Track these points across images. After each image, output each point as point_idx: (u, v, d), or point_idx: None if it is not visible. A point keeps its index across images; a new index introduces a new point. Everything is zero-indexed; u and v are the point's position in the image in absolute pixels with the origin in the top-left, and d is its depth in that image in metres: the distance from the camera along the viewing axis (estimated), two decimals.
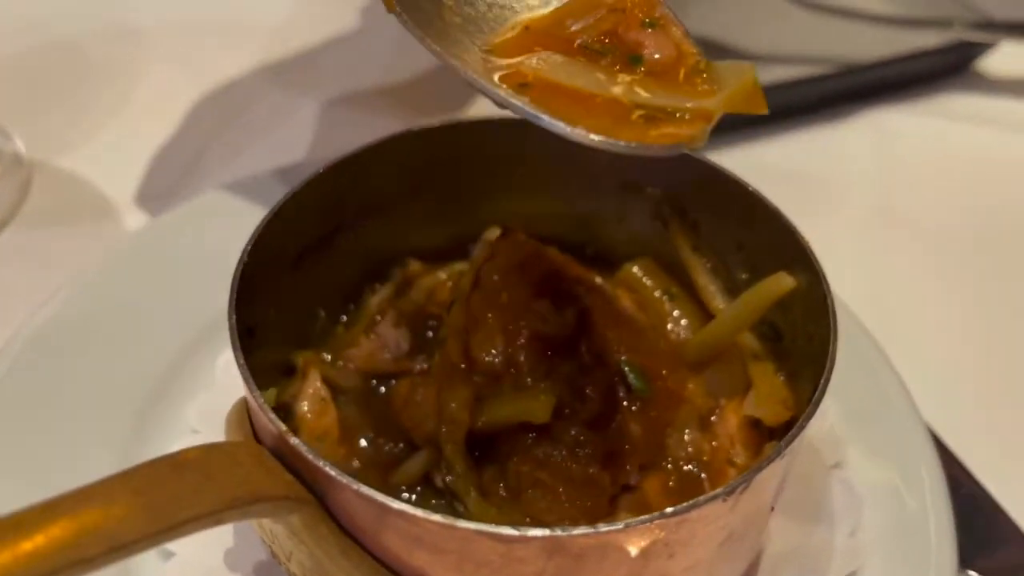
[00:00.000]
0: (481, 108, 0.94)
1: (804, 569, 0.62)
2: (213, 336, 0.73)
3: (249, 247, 0.58)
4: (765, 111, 0.51)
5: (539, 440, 0.59)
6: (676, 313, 0.71)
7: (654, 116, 0.48)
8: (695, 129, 0.48)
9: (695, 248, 0.71)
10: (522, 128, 0.70)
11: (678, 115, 0.49)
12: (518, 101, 0.49)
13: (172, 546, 0.61)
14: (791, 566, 0.62)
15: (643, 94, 0.50)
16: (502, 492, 0.60)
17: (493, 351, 0.62)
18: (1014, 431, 0.79)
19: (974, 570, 0.66)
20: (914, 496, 0.65)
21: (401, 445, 0.65)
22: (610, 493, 0.58)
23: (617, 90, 0.50)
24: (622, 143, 0.47)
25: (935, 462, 0.67)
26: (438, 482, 0.62)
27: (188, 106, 1.04)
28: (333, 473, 0.47)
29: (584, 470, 0.58)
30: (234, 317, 0.53)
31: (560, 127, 0.48)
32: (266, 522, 0.52)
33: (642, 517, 0.45)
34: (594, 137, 0.47)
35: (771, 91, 1.06)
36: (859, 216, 1.01)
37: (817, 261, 0.59)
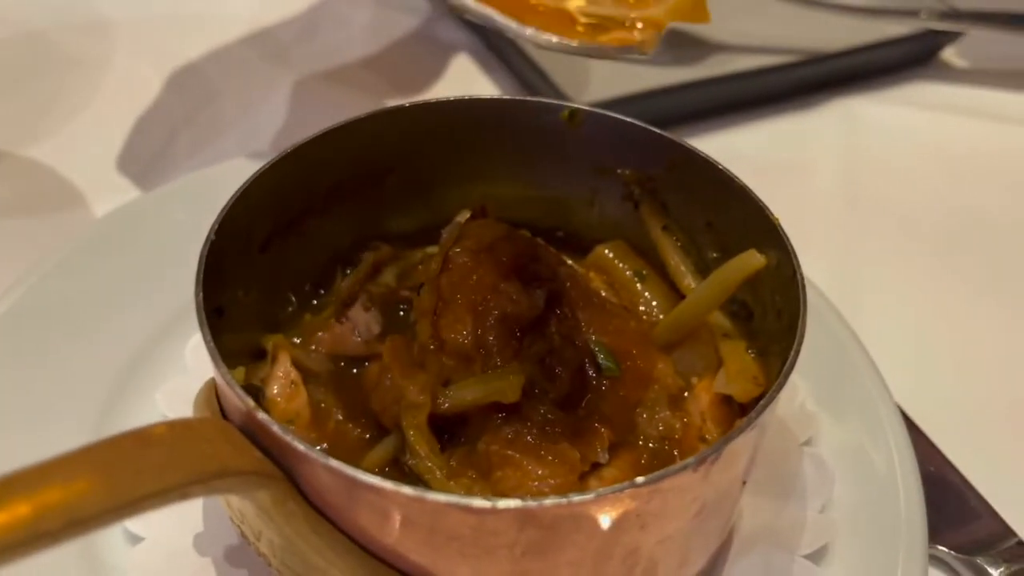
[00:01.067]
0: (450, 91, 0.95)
1: (775, 545, 0.62)
2: (182, 321, 0.72)
3: (216, 226, 0.57)
4: (708, 20, 0.52)
5: (508, 419, 0.59)
6: (647, 294, 0.71)
7: (602, 25, 0.49)
8: (646, 36, 0.49)
9: (665, 228, 0.71)
10: (492, 109, 0.71)
11: (627, 23, 0.49)
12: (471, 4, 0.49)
13: (140, 530, 0.60)
14: (762, 542, 0.62)
15: (592, 6, 0.50)
16: (471, 474, 0.59)
17: (464, 332, 0.62)
18: (981, 408, 0.79)
19: (944, 545, 0.66)
20: (884, 473, 0.66)
21: (371, 429, 0.64)
22: (580, 470, 0.58)
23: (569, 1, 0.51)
24: (575, 43, 0.47)
25: (905, 439, 0.67)
26: (407, 466, 0.62)
27: (156, 96, 1.04)
28: (301, 448, 0.46)
29: (553, 447, 0.57)
30: (201, 294, 0.53)
31: (513, 27, 0.48)
32: (235, 502, 0.52)
33: (614, 486, 0.45)
34: (548, 37, 0.47)
35: (742, 79, 1.09)
36: (828, 202, 1.01)
37: (787, 237, 0.59)
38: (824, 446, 0.68)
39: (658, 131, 0.67)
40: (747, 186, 0.63)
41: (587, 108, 0.69)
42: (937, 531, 0.66)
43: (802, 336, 0.53)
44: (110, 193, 0.90)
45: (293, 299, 0.70)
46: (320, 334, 0.68)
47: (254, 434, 0.49)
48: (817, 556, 0.61)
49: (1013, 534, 0.67)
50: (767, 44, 1.13)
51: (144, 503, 0.41)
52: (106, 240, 0.78)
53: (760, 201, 0.62)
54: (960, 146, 1.10)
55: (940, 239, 0.98)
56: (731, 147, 1.05)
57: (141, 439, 0.44)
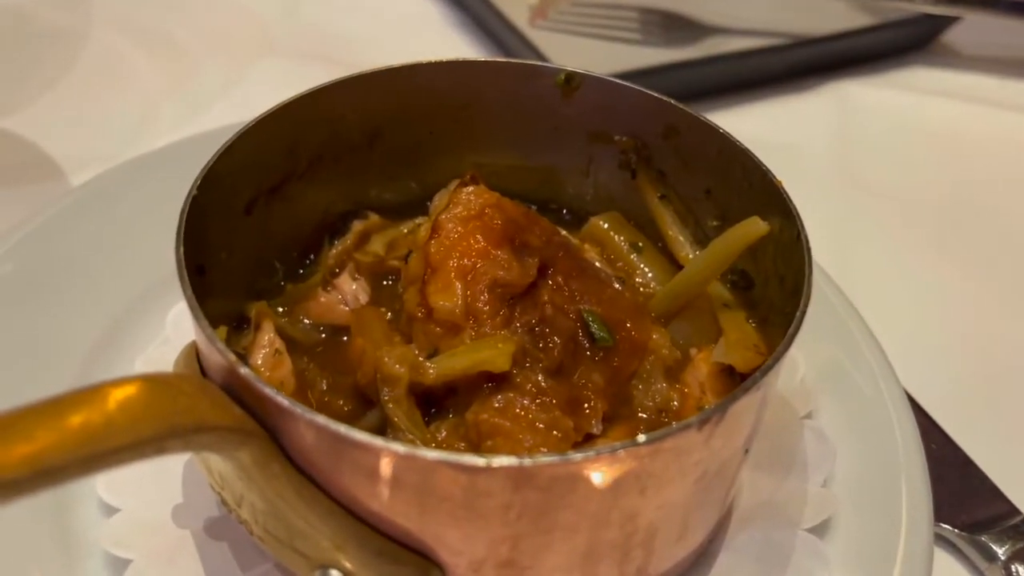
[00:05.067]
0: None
1: (776, 519, 0.60)
2: (163, 291, 0.70)
3: (199, 182, 0.55)
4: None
5: (498, 388, 0.57)
6: (644, 266, 0.69)
7: None
8: None
9: (663, 197, 0.69)
10: (483, 72, 0.69)
11: None
12: None
13: (116, 501, 0.58)
14: (763, 516, 0.60)
15: None
16: (460, 446, 0.57)
17: (453, 299, 0.60)
18: (983, 386, 0.78)
19: (947, 523, 0.64)
20: (887, 448, 0.64)
21: (357, 401, 0.62)
22: (573, 440, 0.55)
23: None
24: None
25: (908, 414, 0.65)
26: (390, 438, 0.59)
27: (136, 70, 1.01)
28: (285, 403, 0.44)
29: (546, 416, 0.55)
30: (182, 249, 0.51)
31: None
32: (215, 465, 0.49)
33: (614, 444, 0.43)
34: None
35: (736, 61, 1.08)
36: (823, 184, 1.00)
37: (790, 200, 0.58)
38: (825, 420, 0.66)
39: (656, 95, 0.66)
40: (748, 149, 0.61)
41: (583, 72, 0.67)
42: (940, 509, 0.64)
43: (808, 297, 0.51)
44: (88, 166, 0.87)
45: (279, 267, 0.68)
46: (307, 303, 0.66)
47: (236, 391, 0.47)
48: (819, 530, 0.59)
49: (1017, 512, 0.65)
50: (762, 25, 1.11)
51: (117, 456, 0.39)
52: (85, 207, 0.75)
53: (763, 164, 0.60)
54: (956, 131, 1.09)
55: (935, 221, 0.96)
56: (726, 128, 1.03)
57: (116, 391, 0.41)
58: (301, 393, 0.62)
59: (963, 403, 0.74)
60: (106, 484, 0.58)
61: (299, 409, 0.44)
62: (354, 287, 0.68)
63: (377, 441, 0.43)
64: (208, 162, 0.56)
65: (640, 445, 0.44)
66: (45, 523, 0.57)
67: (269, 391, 0.44)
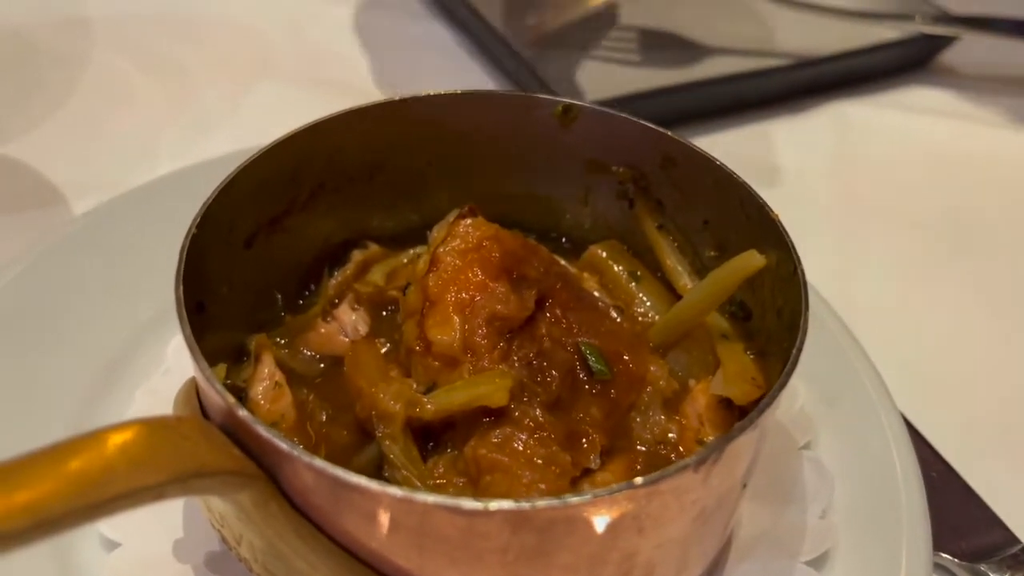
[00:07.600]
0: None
1: (775, 551, 0.60)
2: (164, 321, 0.70)
3: (198, 219, 0.56)
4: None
5: (497, 423, 0.57)
6: (642, 295, 0.69)
7: None
8: None
9: (661, 227, 0.69)
10: (482, 104, 0.69)
11: None
12: None
13: (117, 536, 0.58)
14: (762, 549, 0.60)
15: None
16: (458, 481, 0.57)
17: (451, 333, 0.60)
18: (983, 414, 0.78)
19: (947, 552, 0.64)
20: (886, 478, 0.64)
21: (358, 433, 0.62)
22: (571, 475, 0.55)
23: None
24: None
25: (907, 443, 0.65)
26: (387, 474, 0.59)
27: (138, 95, 1.01)
28: (284, 447, 0.44)
29: (544, 452, 0.55)
30: (181, 288, 0.51)
31: None
32: (215, 504, 0.50)
33: (611, 487, 0.43)
34: None
35: (735, 82, 1.08)
36: (821, 206, 1.00)
37: (787, 234, 0.58)
38: (824, 450, 0.66)
39: (653, 126, 0.66)
40: (745, 182, 0.61)
41: (580, 103, 0.68)
42: (940, 538, 0.64)
43: (804, 333, 0.52)
44: (90, 192, 0.88)
45: (279, 298, 0.68)
46: (307, 334, 0.66)
47: (235, 433, 0.47)
48: (818, 562, 0.59)
49: (1017, 540, 0.65)
50: (760, 47, 1.12)
51: (117, 503, 0.39)
52: (87, 237, 0.76)
53: (759, 197, 0.60)
54: (954, 151, 1.09)
55: (934, 243, 0.96)
56: (723, 150, 1.03)
57: (115, 436, 0.41)
58: (301, 425, 0.62)
59: (964, 431, 0.74)
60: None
61: (296, 452, 0.44)
62: (354, 317, 0.68)
63: (374, 485, 0.43)
64: (207, 200, 0.57)
65: (637, 487, 0.44)
66: (45, 558, 0.57)
67: (267, 434, 0.45)
